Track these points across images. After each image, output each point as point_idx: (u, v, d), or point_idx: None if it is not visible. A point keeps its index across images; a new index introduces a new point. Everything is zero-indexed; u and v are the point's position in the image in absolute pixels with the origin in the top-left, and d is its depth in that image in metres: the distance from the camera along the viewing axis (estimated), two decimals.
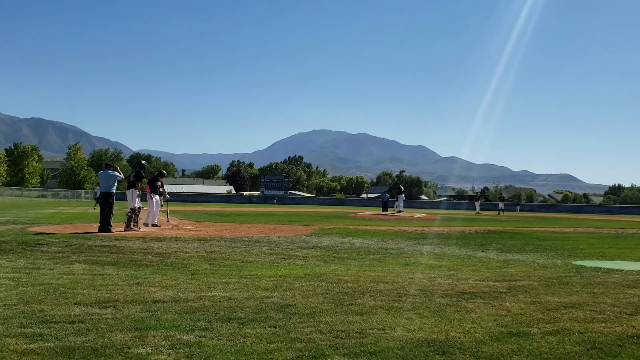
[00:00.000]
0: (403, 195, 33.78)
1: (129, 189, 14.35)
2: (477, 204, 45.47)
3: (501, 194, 61.62)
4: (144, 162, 15.68)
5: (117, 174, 13.32)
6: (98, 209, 14.18)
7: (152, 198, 15.07)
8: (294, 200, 78.97)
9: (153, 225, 14.82)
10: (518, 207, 59.03)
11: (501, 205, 44.95)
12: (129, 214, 13.56)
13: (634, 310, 5.00)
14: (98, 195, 41.28)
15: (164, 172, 15.85)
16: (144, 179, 15.14)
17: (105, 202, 13.14)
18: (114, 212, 13.27)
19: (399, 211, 31.81)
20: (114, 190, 13.31)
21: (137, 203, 13.92)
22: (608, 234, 17.59)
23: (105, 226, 12.90)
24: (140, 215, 14.14)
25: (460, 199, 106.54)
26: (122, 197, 17.01)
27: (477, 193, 54.06)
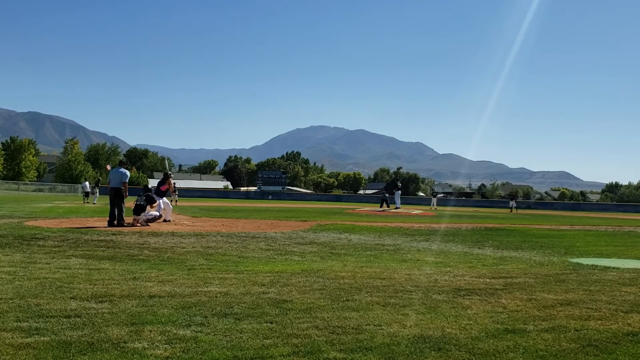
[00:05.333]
0: (400, 191, 33.83)
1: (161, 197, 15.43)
2: (434, 199, 46.05)
3: (513, 192, 62.61)
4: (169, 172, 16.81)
5: (126, 174, 13.89)
6: (87, 203, 14.32)
7: (161, 199, 15.67)
8: (291, 196, 78.91)
9: (165, 221, 15.31)
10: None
11: (512, 203, 45.98)
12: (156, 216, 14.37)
13: (629, 308, 5.01)
14: (87, 189, 41.43)
15: (168, 173, 16.52)
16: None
17: (115, 196, 13.57)
18: (124, 207, 13.71)
19: (397, 207, 31.87)
20: (121, 186, 13.72)
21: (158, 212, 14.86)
22: (605, 231, 17.63)
23: (118, 220, 13.34)
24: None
25: (459, 196, 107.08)
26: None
27: (434, 190, 55.38)
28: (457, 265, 7.80)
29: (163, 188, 15.77)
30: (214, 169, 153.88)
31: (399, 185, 34.71)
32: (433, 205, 44.60)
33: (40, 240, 9.54)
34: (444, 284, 6.06)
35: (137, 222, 13.73)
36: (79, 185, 56.97)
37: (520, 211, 46.57)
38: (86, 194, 38.63)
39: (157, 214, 14.33)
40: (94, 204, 28.86)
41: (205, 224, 15.35)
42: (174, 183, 40.97)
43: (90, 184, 41.38)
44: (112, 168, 14.49)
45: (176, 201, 36.34)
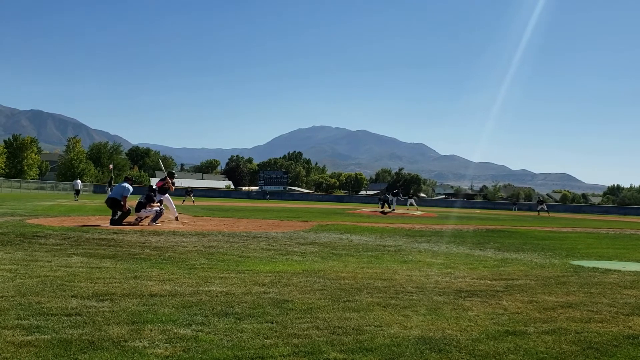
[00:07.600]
0: (400, 196, 33.80)
1: (164, 194, 15.74)
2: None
3: (540, 197, 62.99)
4: (173, 172, 16.99)
5: (128, 189, 14.22)
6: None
7: (162, 196, 15.82)
8: (293, 196, 78.90)
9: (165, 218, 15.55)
10: (515, 207, 59.09)
11: (541, 206, 46.90)
12: (159, 211, 14.56)
13: (630, 310, 5.01)
14: (78, 187, 42.22)
15: (173, 172, 16.71)
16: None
17: (112, 205, 14.08)
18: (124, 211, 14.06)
19: (392, 209, 31.90)
20: (120, 198, 14.08)
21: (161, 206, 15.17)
22: (606, 234, 17.61)
23: (112, 219, 13.85)
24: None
25: (460, 197, 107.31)
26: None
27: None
28: (458, 267, 7.80)
29: (158, 184, 15.95)
30: (216, 169, 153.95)
31: (399, 191, 34.57)
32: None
33: (41, 238, 9.55)
34: (445, 285, 6.06)
35: (139, 219, 14.17)
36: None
37: (520, 213, 46.63)
38: (77, 192, 38.79)
39: (157, 209, 14.55)
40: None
41: (207, 223, 15.36)
42: (188, 187, 41.39)
43: (82, 182, 41.97)
44: (114, 168, 14.80)
45: (193, 201, 36.84)
